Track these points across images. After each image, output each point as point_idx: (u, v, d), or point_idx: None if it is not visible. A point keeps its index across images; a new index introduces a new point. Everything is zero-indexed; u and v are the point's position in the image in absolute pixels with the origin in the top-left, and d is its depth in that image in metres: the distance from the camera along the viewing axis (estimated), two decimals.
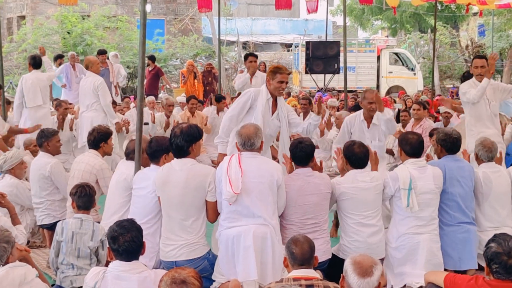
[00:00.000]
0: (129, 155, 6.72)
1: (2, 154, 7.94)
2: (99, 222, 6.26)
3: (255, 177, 5.68)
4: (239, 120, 7.16)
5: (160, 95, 18.21)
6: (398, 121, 12.08)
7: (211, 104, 13.35)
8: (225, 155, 6.81)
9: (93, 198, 6.09)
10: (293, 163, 6.22)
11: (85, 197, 5.96)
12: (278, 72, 7.14)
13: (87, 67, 10.81)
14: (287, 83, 7.28)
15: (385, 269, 6.15)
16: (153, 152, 6.24)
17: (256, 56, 11.85)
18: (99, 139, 7.39)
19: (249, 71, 11.27)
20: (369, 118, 7.89)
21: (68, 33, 27.08)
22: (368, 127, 7.88)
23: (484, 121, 8.27)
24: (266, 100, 7.17)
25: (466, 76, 8.39)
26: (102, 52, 16.35)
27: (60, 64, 16.72)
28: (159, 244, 5.90)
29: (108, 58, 16.50)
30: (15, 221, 6.05)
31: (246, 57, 11.84)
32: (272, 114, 7.29)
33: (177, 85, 24.44)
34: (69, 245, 5.74)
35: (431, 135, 9.22)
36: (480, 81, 8.14)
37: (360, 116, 7.95)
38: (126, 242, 4.45)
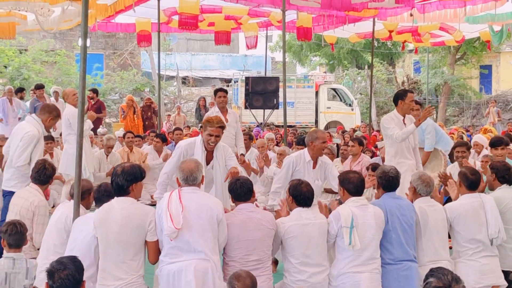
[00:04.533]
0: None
1: None
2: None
3: (196, 212, 5.63)
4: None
5: (98, 130, 18.02)
6: (338, 155, 12.22)
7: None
8: None
9: (25, 236, 5.88)
10: (233, 200, 6.23)
11: (16, 235, 5.76)
12: (208, 125, 7.09)
13: (63, 99, 10.90)
14: (217, 136, 7.17)
15: None
16: (101, 196, 6.15)
17: (226, 92, 11.75)
18: (50, 174, 7.28)
19: (218, 105, 11.30)
20: (315, 159, 7.83)
21: (5, 67, 26.77)
22: (314, 167, 7.83)
23: (404, 152, 8.52)
24: (201, 151, 7.13)
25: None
26: (39, 87, 16.21)
27: None
28: None
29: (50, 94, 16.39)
30: None
31: (215, 92, 11.80)
32: (207, 164, 7.31)
33: (116, 120, 24.29)
34: (3, 286, 5.53)
35: (373, 169, 9.29)
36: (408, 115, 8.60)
37: (306, 156, 7.80)
38: (61, 279, 4.24)
